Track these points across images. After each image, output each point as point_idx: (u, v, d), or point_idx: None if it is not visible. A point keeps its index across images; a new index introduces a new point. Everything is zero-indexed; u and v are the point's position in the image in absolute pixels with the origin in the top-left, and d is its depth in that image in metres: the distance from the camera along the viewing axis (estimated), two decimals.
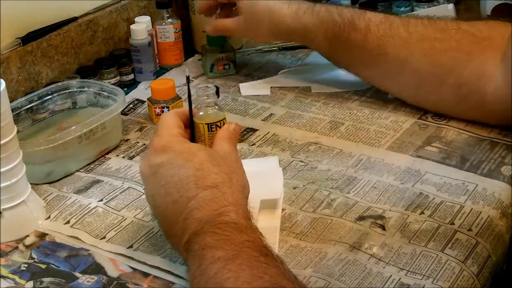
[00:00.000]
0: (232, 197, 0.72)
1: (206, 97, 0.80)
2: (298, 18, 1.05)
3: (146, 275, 0.78)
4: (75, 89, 1.06)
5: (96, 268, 0.80)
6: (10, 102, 0.84)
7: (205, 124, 0.79)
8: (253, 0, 1.08)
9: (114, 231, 0.85)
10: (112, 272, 0.79)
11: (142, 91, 1.19)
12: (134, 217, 0.87)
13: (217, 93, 0.81)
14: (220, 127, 0.79)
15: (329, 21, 1.03)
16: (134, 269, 0.79)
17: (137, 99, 1.16)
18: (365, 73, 1.07)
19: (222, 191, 0.72)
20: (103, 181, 0.95)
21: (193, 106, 0.80)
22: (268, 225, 0.82)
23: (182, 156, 0.74)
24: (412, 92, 1.03)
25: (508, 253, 0.84)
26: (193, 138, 0.80)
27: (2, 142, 0.80)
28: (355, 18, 1.02)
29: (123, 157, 1.00)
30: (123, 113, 1.10)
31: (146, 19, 1.22)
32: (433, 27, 1.00)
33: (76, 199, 0.92)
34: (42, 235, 0.86)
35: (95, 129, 0.96)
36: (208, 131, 0.79)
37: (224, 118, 0.80)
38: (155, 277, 0.78)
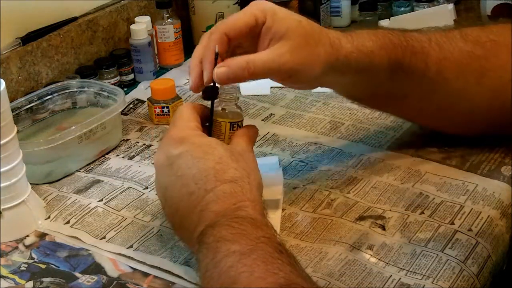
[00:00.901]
0: (250, 193, 0.72)
1: (228, 94, 0.80)
2: (357, 41, 0.83)
3: (146, 275, 0.78)
4: (75, 89, 1.06)
5: (96, 268, 0.80)
6: (10, 102, 0.84)
7: (228, 122, 0.80)
8: (297, 19, 0.80)
9: (114, 231, 0.85)
10: (112, 272, 0.79)
11: (142, 91, 1.19)
12: (134, 217, 0.87)
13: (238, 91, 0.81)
14: (240, 127, 0.80)
15: (390, 44, 0.85)
16: (134, 269, 0.79)
17: (137, 99, 1.16)
18: (419, 105, 0.91)
19: (241, 186, 0.72)
20: (103, 181, 0.95)
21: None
22: None
23: (201, 149, 0.73)
24: (464, 122, 0.92)
25: (508, 253, 0.84)
26: (209, 134, 0.80)
27: (2, 142, 0.80)
28: (408, 39, 0.86)
29: (123, 157, 1.00)
30: (123, 113, 1.10)
31: (146, 19, 1.22)
32: (470, 41, 0.88)
33: (76, 199, 0.92)
34: (42, 235, 0.86)
35: (95, 129, 0.96)
36: (230, 130, 0.80)
37: (243, 119, 0.81)
38: (155, 277, 0.77)
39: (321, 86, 0.88)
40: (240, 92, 0.81)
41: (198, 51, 0.79)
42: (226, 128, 0.80)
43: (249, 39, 0.79)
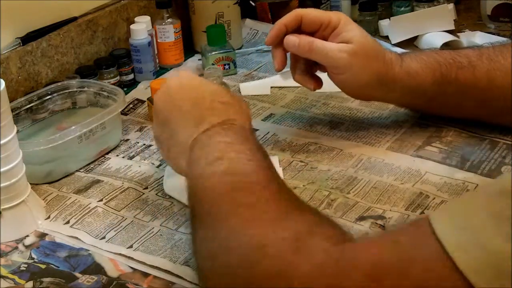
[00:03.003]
0: (242, 116, 0.77)
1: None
2: (405, 63, 0.95)
3: (146, 275, 0.78)
4: (75, 89, 1.06)
5: (96, 268, 0.80)
6: (10, 102, 0.84)
7: None
8: (365, 33, 0.94)
9: (114, 231, 0.85)
10: (112, 272, 0.79)
11: (142, 91, 1.19)
12: (134, 217, 0.87)
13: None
14: None
15: (434, 63, 0.95)
16: (134, 269, 0.79)
17: (137, 99, 1.16)
18: (473, 114, 0.98)
19: (235, 108, 0.77)
20: (103, 181, 0.95)
21: None
22: None
23: (198, 80, 0.82)
24: None
25: None
26: None
27: (2, 142, 0.80)
28: (455, 56, 0.96)
29: (123, 157, 1.00)
30: (123, 113, 1.10)
31: (146, 19, 1.22)
32: None
33: (76, 199, 0.92)
34: (42, 235, 0.86)
35: (95, 129, 0.96)
36: None
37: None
38: (155, 277, 0.77)
39: (371, 99, 1.01)
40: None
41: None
42: None
43: (319, 36, 0.93)
